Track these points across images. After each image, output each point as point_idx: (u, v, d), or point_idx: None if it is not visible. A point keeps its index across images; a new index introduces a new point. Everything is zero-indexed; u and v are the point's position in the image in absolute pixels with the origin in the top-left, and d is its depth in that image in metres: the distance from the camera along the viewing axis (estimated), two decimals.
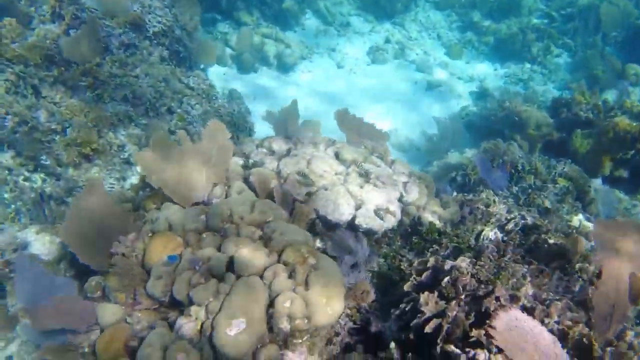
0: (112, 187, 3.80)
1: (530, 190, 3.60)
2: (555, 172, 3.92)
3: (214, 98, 4.99)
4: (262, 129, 5.43)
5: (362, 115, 4.04)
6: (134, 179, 4.01)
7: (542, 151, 4.60)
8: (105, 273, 2.18)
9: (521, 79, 7.12)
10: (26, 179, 3.38)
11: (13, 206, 3.20)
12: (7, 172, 3.30)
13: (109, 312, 1.91)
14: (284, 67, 6.90)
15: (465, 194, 3.33)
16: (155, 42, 4.65)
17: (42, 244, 2.78)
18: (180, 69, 4.97)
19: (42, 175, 3.46)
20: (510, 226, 2.80)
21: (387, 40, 7.98)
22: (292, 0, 7.43)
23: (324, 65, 7.29)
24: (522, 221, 2.86)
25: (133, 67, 4.29)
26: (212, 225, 2.15)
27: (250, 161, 3.08)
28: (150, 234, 2.28)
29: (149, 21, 4.57)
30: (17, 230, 2.86)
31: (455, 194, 3.56)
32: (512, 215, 2.86)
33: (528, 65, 7.31)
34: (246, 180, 2.80)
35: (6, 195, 3.21)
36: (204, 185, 2.42)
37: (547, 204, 3.50)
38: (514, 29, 7.45)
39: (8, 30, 3.40)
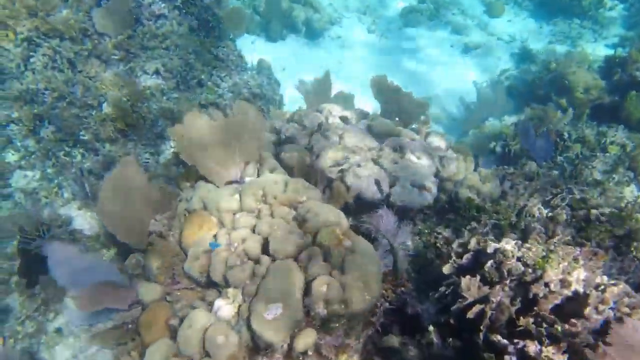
0: (147, 162, 3.84)
1: (577, 161, 3.34)
2: (606, 140, 3.62)
3: (242, 69, 4.88)
4: (293, 99, 5.32)
5: (391, 81, 3.83)
6: (168, 153, 4.04)
7: (591, 117, 4.25)
8: (144, 251, 2.21)
9: (569, 36, 6.54)
10: (67, 154, 3.45)
11: (56, 181, 3.29)
12: (49, 147, 3.38)
13: (150, 291, 1.93)
14: (313, 33, 6.64)
15: (506, 167, 3.13)
16: (184, 11, 4.53)
17: (84, 219, 2.86)
18: (210, 39, 4.85)
19: (81, 150, 3.53)
20: (556, 201, 2.61)
21: (421, 1, 7.48)
22: None
23: (354, 30, 6.96)
24: (569, 195, 2.67)
25: (163, 38, 4.22)
26: (246, 205, 2.11)
27: (282, 136, 3.00)
28: (186, 213, 2.27)
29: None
30: (60, 205, 2.95)
31: (494, 166, 3.37)
32: (558, 190, 2.67)
33: (577, 21, 6.68)
34: (278, 157, 2.73)
35: (49, 170, 3.30)
36: (237, 163, 2.37)
37: (596, 174, 3.26)
38: None
39: (43, 2, 3.37)
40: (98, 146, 3.62)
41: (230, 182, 2.43)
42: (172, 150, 3.99)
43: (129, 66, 4.03)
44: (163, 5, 4.25)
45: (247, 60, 5.81)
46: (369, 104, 4.96)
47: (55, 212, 2.77)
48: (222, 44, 4.82)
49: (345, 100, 4.69)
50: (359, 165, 2.66)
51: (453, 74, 6.26)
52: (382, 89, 3.77)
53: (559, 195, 2.59)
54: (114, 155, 3.62)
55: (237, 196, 2.17)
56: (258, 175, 2.47)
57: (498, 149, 3.90)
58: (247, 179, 2.44)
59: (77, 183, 3.17)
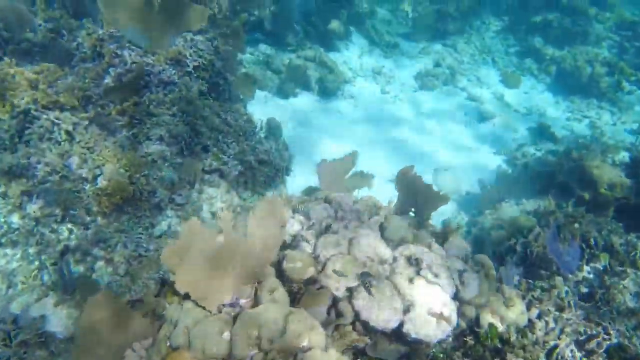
0: (140, 237, 3.58)
1: (608, 281, 3.04)
2: (637, 253, 3.32)
3: (251, 134, 4.69)
4: (300, 163, 5.10)
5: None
6: (164, 225, 3.78)
7: (616, 217, 3.99)
8: None
9: (586, 115, 6.38)
10: (53, 231, 3.19)
11: (37, 262, 3.01)
12: (34, 223, 3.13)
13: None
14: (325, 91, 6.52)
15: (531, 286, 2.83)
16: (195, 75, 4.39)
17: (59, 319, 2.56)
18: (219, 102, 4.70)
19: (69, 225, 3.27)
20: (591, 345, 2.29)
21: (437, 64, 7.42)
22: (338, 21, 7.03)
23: (368, 90, 6.85)
24: (605, 335, 2.36)
25: (171, 105, 4.05)
26: (237, 351, 1.81)
27: (286, 237, 2.73)
28: (168, 343, 1.97)
29: (190, 55, 4.31)
30: (35, 300, 2.66)
31: (516, 276, 3.06)
32: (594, 331, 2.35)
33: (595, 102, 6.55)
34: (279, 265, 2.46)
35: (31, 250, 3.03)
36: (234, 287, 2.09)
37: (628, 298, 2.94)
38: (580, 60, 6.69)
39: (45, 75, 3.21)
40: (89, 220, 3.36)
41: (223, 305, 2.14)
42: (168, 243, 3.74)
43: (132, 132, 3.84)
44: (174, 72, 4.12)
45: (256, 118, 5.67)
46: (381, 168, 4.76)
47: (28, 314, 2.48)
48: (231, 107, 4.65)
49: (363, 181, 4.46)
50: (369, 284, 2.37)
51: (468, 143, 6.06)
52: (404, 181, 3.52)
53: (595, 339, 2.27)
54: (105, 231, 3.36)
55: (227, 335, 1.87)
56: (255, 296, 2.19)
57: (518, 248, 3.61)
58: (242, 301, 2.15)
59: (58, 268, 2.89)
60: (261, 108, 6.02)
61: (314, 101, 6.38)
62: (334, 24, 6.97)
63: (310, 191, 3.74)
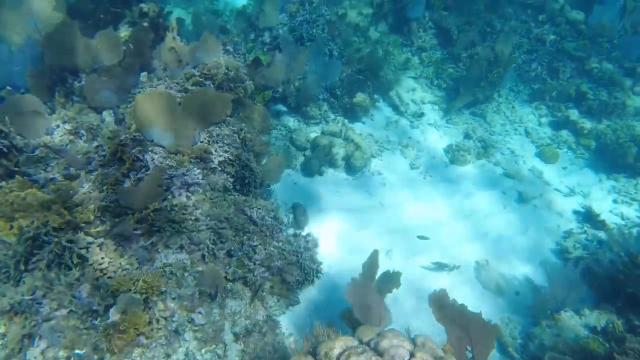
0: None
1: None
2: None
3: (278, 231, 4.30)
4: (329, 257, 4.63)
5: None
6: (181, 353, 3.32)
7: None
8: None
9: (635, 198, 5.94)
10: None
11: None
12: None
13: None
14: (352, 168, 6.19)
15: None
16: (220, 169, 4.08)
17: None
18: (244, 196, 4.36)
19: None
20: None
21: (467, 136, 7.11)
22: (364, 94, 6.81)
23: (396, 165, 6.51)
24: None
25: (194, 209, 3.70)
26: None
27: None
28: None
29: (215, 151, 4.02)
30: None
31: None
32: None
33: None
34: None
35: None
36: None
37: None
38: (622, 136, 6.33)
39: (60, 194, 2.89)
40: (97, 357, 2.92)
41: None
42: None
43: (150, 241, 3.47)
44: (198, 171, 3.80)
45: (280, 201, 5.32)
46: (418, 259, 4.28)
47: None
48: (257, 203, 4.30)
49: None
50: None
51: (509, 229, 5.60)
52: (444, 310, 3.07)
53: None
54: None
55: None
56: None
57: None
58: None
59: None
60: (285, 188, 5.69)
61: (342, 180, 6.04)
62: (360, 97, 6.75)
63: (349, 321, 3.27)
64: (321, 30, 7.38)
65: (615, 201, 6.04)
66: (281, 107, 6.80)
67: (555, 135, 7.18)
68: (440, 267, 4.95)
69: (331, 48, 7.36)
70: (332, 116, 6.93)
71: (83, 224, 3.03)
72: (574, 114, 7.20)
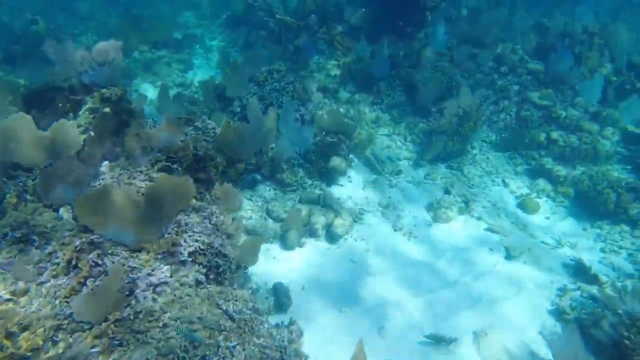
0: None
1: None
2: None
3: (258, 324, 3.95)
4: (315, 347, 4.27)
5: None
6: None
7: None
8: None
9: (622, 246, 5.89)
10: None
11: None
12: None
13: None
14: (333, 236, 5.96)
15: None
16: (190, 261, 3.78)
17: None
18: (219, 285, 4.03)
19: None
20: None
21: (447, 191, 7.06)
22: (339, 157, 6.75)
23: (378, 228, 6.32)
24: None
25: (161, 313, 3.35)
26: None
27: None
28: None
29: (185, 242, 3.74)
30: None
31: None
32: None
33: (626, 228, 6.11)
34: None
35: None
36: None
37: None
38: (599, 182, 6.40)
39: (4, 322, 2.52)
40: None
41: None
42: None
43: (111, 359, 3.07)
44: (165, 268, 3.49)
45: (259, 280, 5.00)
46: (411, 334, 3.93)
47: None
48: (233, 294, 3.97)
49: None
50: None
51: (503, 290, 5.38)
52: None
53: None
54: None
55: None
56: None
57: None
58: None
59: None
60: (264, 266, 5.38)
61: (323, 251, 5.78)
62: (336, 161, 6.68)
63: None
64: (291, 96, 7.43)
65: (603, 250, 5.96)
66: (256, 176, 6.64)
67: (533, 184, 7.21)
68: (437, 340, 4.64)
69: (302, 113, 7.38)
70: (309, 181, 6.79)
71: (30, 353, 2.65)
72: (548, 161, 7.30)
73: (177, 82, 9.50)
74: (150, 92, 9.06)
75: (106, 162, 4.16)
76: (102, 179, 4.02)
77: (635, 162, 7.15)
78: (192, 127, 5.90)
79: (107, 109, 5.16)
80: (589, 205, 6.50)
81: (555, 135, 7.56)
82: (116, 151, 4.55)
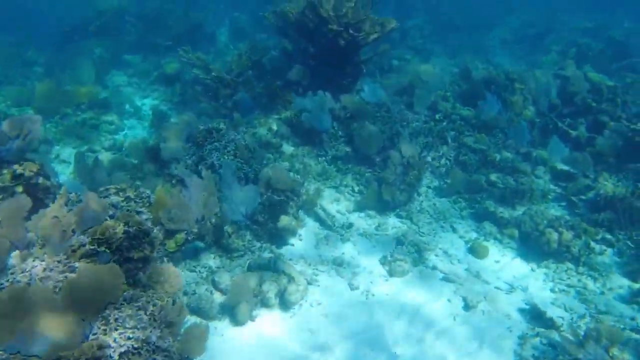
0: None
1: None
2: None
3: None
4: None
5: None
6: None
7: None
8: None
9: (570, 284, 6.10)
10: None
11: None
12: None
13: None
14: (287, 304, 5.60)
15: None
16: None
17: None
18: None
19: None
20: None
21: (399, 241, 7.02)
22: (288, 216, 6.52)
23: (335, 289, 6.06)
24: None
25: None
26: None
27: None
28: None
29: (115, 341, 3.24)
30: None
31: None
32: None
33: (571, 266, 6.38)
34: None
35: None
36: None
37: None
38: (540, 222, 6.70)
39: None
40: None
41: None
42: None
43: None
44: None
45: None
46: None
47: None
48: None
49: None
50: None
51: (467, 346, 5.26)
52: None
53: None
54: None
55: None
56: None
57: None
58: None
59: None
60: (213, 347, 4.87)
61: (278, 322, 5.38)
62: (285, 221, 6.43)
63: None
64: (233, 155, 7.20)
65: (552, 290, 6.13)
66: (198, 244, 6.18)
67: (479, 227, 7.41)
68: None
69: (246, 171, 7.15)
70: (258, 244, 6.46)
71: None
72: (490, 204, 7.58)
73: (105, 146, 8.92)
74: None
75: (16, 252, 3.60)
76: (12, 274, 3.46)
77: (567, 199, 7.63)
78: (122, 198, 5.42)
79: (19, 188, 4.61)
80: (533, 245, 6.74)
81: (493, 177, 7.93)
82: (30, 237, 3.98)
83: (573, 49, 13.68)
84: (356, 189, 8.26)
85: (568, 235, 6.37)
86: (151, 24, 14.91)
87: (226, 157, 7.11)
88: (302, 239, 6.87)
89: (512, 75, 9.99)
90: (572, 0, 23.96)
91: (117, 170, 7.47)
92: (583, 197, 7.44)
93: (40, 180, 4.90)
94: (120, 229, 4.17)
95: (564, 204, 7.78)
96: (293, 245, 6.70)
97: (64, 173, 8.16)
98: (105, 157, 8.61)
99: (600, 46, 13.57)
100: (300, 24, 9.77)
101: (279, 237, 6.56)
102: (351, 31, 8.93)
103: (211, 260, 6.09)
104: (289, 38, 10.63)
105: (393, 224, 7.51)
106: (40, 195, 4.65)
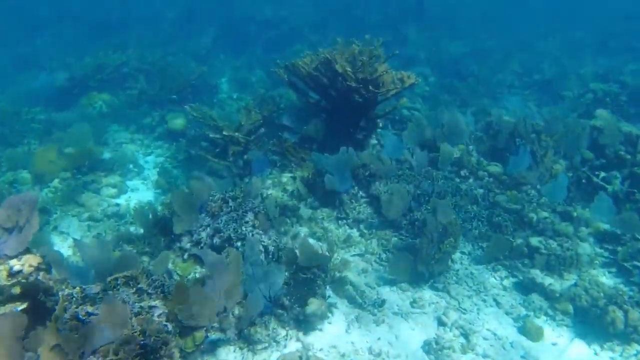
0: None
1: None
2: None
3: None
4: None
5: None
6: None
7: None
8: None
9: None
10: None
11: None
12: None
13: None
14: None
15: None
16: None
17: None
18: None
19: None
20: None
21: (441, 322, 6.34)
22: (317, 298, 5.87)
23: None
24: None
25: None
26: None
27: None
28: None
29: None
30: None
31: None
32: None
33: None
34: None
35: None
36: None
37: None
38: (597, 296, 6.08)
39: None
40: None
41: None
42: None
43: None
44: None
45: None
46: None
47: None
48: None
49: None
50: None
51: None
52: None
53: None
54: None
55: None
56: None
57: None
58: None
59: None
60: None
61: None
62: (314, 305, 5.78)
63: None
64: (251, 226, 6.64)
65: None
66: (217, 336, 5.48)
67: (526, 300, 6.76)
68: None
69: (266, 244, 6.56)
70: (283, 332, 5.76)
71: None
72: (536, 273, 6.97)
73: (108, 213, 8.34)
74: (76, 228, 7.80)
75: None
76: None
77: (619, 265, 7.05)
78: (133, 290, 4.82)
79: (16, 289, 4.03)
80: (593, 323, 6.08)
81: (534, 242, 7.38)
82: (28, 358, 3.35)
83: (589, 95, 13.55)
84: (383, 256, 7.66)
85: (635, 314, 5.73)
86: (154, 77, 14.77)
87: (244, 229, 6.55)
88: (332, 321, 6.18)
89: (537, 127, 9.68)
90: (577, 45, 24.47)
91: (123, 244, 6.86)
92: (637, 264, 6.86)
93: (41, 276, 4.29)
94: (135, 342, 3.54)
95: (614, 270, 7.19)
96: (321, 330, 6.00)
97: (63, 246, 7.54)
98: (108, 226, 8.02)
99: (616, 91, 13.47)
100: (313, 78, 9.52)
101: (306, 323, 5.88)
102: (371, 87, 8.65)
103: (231, 354, 5.37)
104: (300, 92, 10.36)
105: (430, 298, 6.84)
106: (41, 297, 4.03)
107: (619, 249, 7.28)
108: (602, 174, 8.93)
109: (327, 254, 6.39)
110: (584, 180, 9.04)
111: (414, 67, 20.27)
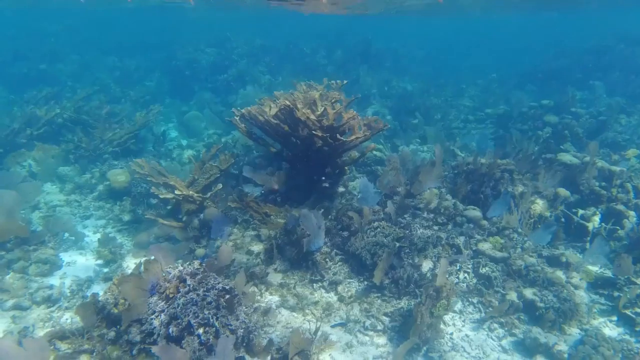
0: None
1: None
2: None
3: None
4: None
5: None
6: None
7: None
8: None
9: None
10: None
11: None
12: None
13: None
14: None
15: None
16: None
17: None
18: None
19: None
20: None
21: None
22: None
23: None
24: None
25: None
26: None
27: None
28: None
29: None
30: None
31: None
32: None
33: None
34: None
35: None
36: None
37: None
38: (608, 354, 5.64)
39: None
40: None
41: None
42: None
43: None
44: None
45: None
46: None
47: None
48: None
49: None
50: None
51: None
52: None
53: None
54: None
55: None
56: None
57: None
58: None
59: None
60: None
61: None
62: None
63: None
64: (215, 309, 5.70)
65: None
66: None
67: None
68: None
69: (233, 328, 5.63)
70: None
71: None
72: (537, 331, 6.47)
73: (38, 299, 7.04)
74: None
75: None
76: None
77: (619, 313, 6.72)
78: None
79: None
80: None
81: (529, 294, 6.93)
82: None
83: (548, 129, 13.92)
84: (367, 323, 6.90)
85: None
86: (92, 128, 13.61)
87: (206, 314, 5.60)
88: None
89: (508, 166, 9.56)
90: (520, 77, 25.89)
91: (59, 343, 5.68)
92: (639, 310, 6.56)
93: None
94: None
95: (615, 318, 6.85)
96: None
97: None
98: (39, 315, 6.73)
99: (573, 123, 13.93)
100: (273, 127, 8.92)
101: None
102: (338, 136, 8.15)
103: None
104: (258, 141, 9.71)
105: None
106: None
107: (615, 293, 6.99)
108: (581, 212, 8.83)
109: (310, 336, 5.55)
110: (562, 219, 8.89)
111: (369, 106, 20.42)
